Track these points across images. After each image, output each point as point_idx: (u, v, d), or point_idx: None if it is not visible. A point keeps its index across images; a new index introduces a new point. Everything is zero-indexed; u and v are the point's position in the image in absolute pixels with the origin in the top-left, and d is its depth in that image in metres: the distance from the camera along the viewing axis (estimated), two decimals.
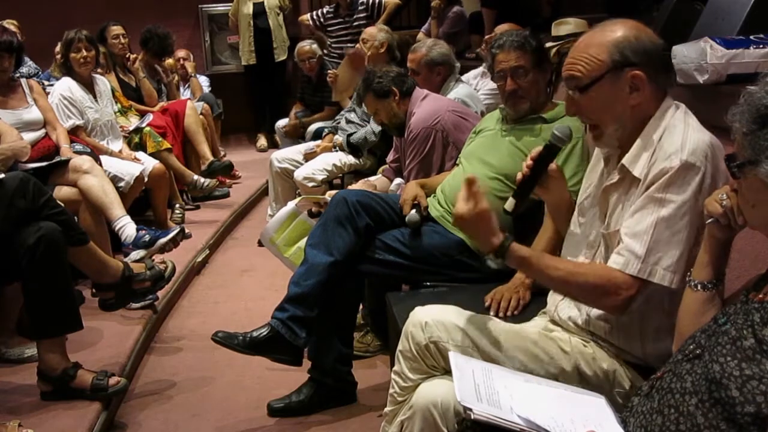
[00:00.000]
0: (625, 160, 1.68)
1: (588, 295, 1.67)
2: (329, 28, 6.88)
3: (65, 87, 4.30)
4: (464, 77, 4.20)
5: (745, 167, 1.27)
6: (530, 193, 1.85)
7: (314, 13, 7.07)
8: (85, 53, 4.30)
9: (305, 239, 2.69)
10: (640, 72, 1.63)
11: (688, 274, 1.50)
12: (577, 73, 1.66)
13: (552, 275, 1.67)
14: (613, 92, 1.65)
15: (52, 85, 4.47)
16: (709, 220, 1.44)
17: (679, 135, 1.61)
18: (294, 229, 2.93)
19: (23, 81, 3.92)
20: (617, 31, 1.66)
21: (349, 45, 6.14)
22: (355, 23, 6.52)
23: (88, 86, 4.42)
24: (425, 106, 3.20)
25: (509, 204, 1.85)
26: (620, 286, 1.60)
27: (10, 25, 5.75)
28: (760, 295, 1.30)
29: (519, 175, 1.84)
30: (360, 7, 6.70)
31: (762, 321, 1.23)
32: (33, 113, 3.82)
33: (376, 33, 4.53)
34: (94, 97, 4.45)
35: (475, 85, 4.07)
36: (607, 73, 1.64)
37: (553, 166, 1.85)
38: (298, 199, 3.17)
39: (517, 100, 2.56)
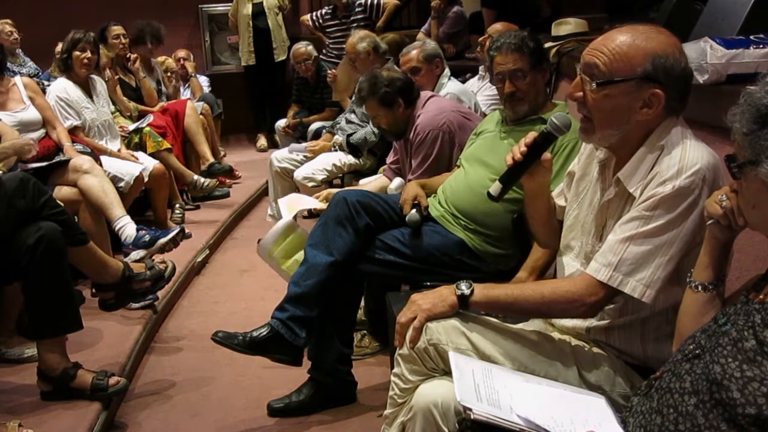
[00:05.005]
0: (621, 174, 1.65)
1: (556, 311, 1.70)
2: (327, 29, 6.90)
3: (61, 88, 4.29)
4: (468, 84, 4.22)
5: (745, 167, 1.27)
6: (518, 179, 1.81)
7: (314, 14, 7.10)
8: (89, 55, 4.30)
9: (301, 252, 2.69)
10: (660, 92, 1.57)
11: (689, 275, 1.50)
12: (602, 64, 1.58)
13: (516, 298, 1.69)
14: (626, 100, 1.59)
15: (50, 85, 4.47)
16: (710, 222, 1.44)
17: (676, 157, 1.56)
18: (291, 242, 2.92)
19: (17, 80, 3.90)
20: (661, 42, 1.57)
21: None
22: (353, 25, 6.53)
23: (84, 86, 4.42)
24: (430, 108, 3.19)
25: (494, 188, 1.81)
26: (585, 293, 1.62)
27: (5, 24, 5.75)
28: (761, 296, 1.29)
29: (509, 160, 1.79)
30: (357, 9, 6.71)
31: (763, 322, 1.23)
32: (30, 113, 3.81)
33: (356, 44, 4.53)
34: (91, 96, 4.44)
35: (476, 90, 4.08)
36: (630, 80, 1.57)
37: (547, 155, 1.81)
38: (295, 211, 3.13)
39: (516, 103, 2.56)
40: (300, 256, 2.75)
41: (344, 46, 5.54)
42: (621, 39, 1.59)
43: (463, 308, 1.70)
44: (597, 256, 1.63)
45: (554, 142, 1.83)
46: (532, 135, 1.79)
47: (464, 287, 1.70)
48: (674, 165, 1.55)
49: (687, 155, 1.56)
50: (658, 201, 1.55)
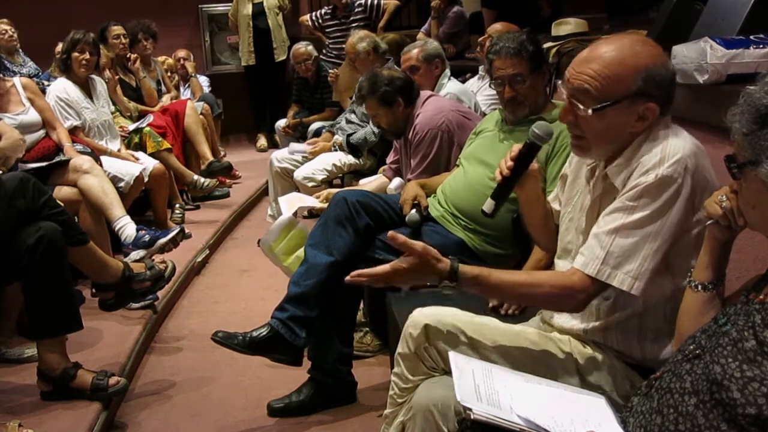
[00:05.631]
0: (609, 169, 1.65)
1: (545, 302, 1.71)
2: (327, 30, 6.90)
3: (60, 88, 4.29)
4: (468, 83, 4.23)
5: (745, 168, 1.27)
6: (510, 193, 1.83)
7: (313, 14, 7.09)
8: (88, 56, 4.29)
9: (303, 249, 2.69)
10: (655, 105, 1.57)
11: (689, 274, 1.50)
12: (593, 90, 1.56)
13: (507, 289, 1.67)
14: (621, 117, 1.58)
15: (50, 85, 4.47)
16: (709, 222, 1.44)
17: (658, 148, 1.56)
18: (292, 238, 2.92)
19: (16, 81, 3.89)
20: (648, 54, 1.56)
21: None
22: (353, 25, 6.53)
23: (84, 86, 4.41)
24: (429, 108, 3.19)
25: (488, 205, 1.82)
26: (576, 288, 1.60)
27: (1, 24, 5.74)
28: (761, 296, 1.29)
29: (498, 176, 1.81)
30: (357, 9, 6.71)
31: (763, 322, 1.23)
32: (30, 115, 3.80)
33: (356, 44, 4.55)
34: (90, 97, 4.44)
35: (476, 90, 4.08)
36: (625, 99, 1.56)
37: (534, 165, 1.81)
38: (295, 207, 3.14)
39: (517, 106, 2.56)
40: (301, 252, 2.75)
41: (344, 46, 5.58)
42: (608, 58, 1.56)
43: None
44: (583, 250, 1.63)
45: (539, 151, 1.82)
46: (516, 147, 1.79)
47: (449, 279, 1.64)
48: (656, 155, 1.56)
49: (668, 145, 1.57)
50: (642, 191, 1.55)
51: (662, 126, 1.62)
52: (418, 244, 1.64)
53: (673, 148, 1.55)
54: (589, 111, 1.57)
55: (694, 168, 1.54)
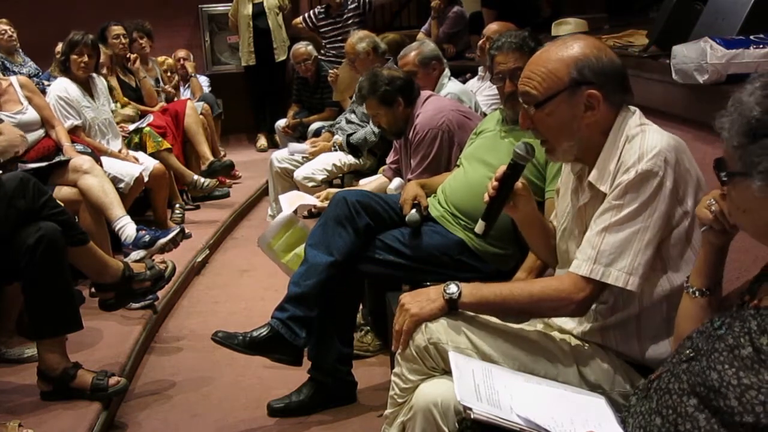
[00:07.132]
0: (591, 178, 1.68)
1: (547, 312, 1.73)
2: (322, 29, 6.85)
3: (61, 87, 4.29)
4: (468, 84, 4.22)
5: (735, 177, 1.25)
6: (499, 214, 1.85)
7: (306, 14, 7.04)
8: (86, 59, 4.29)
9: (302, 246, 2.69)
10: (596, 91, 1.62)
11: (686, 280, 1.50)
12: (533, 90, 1.65)
13: (506, 307, 1.70)
14: (568, 110, 1.64)
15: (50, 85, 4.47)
16: (703, 228, 1.43)
17: (636, 145, 1.60)
18: (292, 236, 2.92)
19: (13, 80, 3.89)
20: (577, 47, 1.65)
21: (342, 45, 6.11)
22: (349, 21, 6.50)
23: (84, 85, 4.41)
24: (429, 108, 3.19)
25: (479, 227, 1.85)
26: (572, 291, 1.63)
27: (0, 23, 5.74)
28: (755, 301, 1.29)
29: (486, 198, 1.84)
30: (351, 5, 6.66)
31: (759, 329, 1.21)
32: (29, 114, 3.81)
33: (356, 45, 4.54)
34: (91, 96, 4.44)
35: (476, 90, 4.08)
36: (563, 91, 1.63)
37: (519, 184, 1.84)
38: (296, 205, 3.15)
39: (517, 102, 2.55)
40: (300, 250, 2.75)
41: (340, 44, 5.55)
42: (541, 58, 1.67)
43: (452, 309, 1.70)
44: (577, 253, 1.66)
45: (523, 170, 1.84)
46: (501, 169, 1.82)
47: (452, 289, 1.69)
48: (635, 152, 1.59)
49: (646, 141, 1.60)
50: (625, 188, 1.58)
51: (635, 121, 1.66)
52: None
53: (651, 143, 1.59)
54: (533, 109, 1.66)
55: (674, 161, 1.58)
